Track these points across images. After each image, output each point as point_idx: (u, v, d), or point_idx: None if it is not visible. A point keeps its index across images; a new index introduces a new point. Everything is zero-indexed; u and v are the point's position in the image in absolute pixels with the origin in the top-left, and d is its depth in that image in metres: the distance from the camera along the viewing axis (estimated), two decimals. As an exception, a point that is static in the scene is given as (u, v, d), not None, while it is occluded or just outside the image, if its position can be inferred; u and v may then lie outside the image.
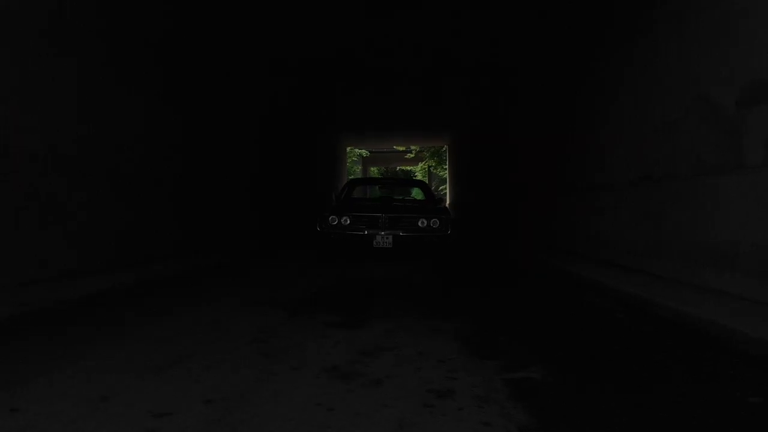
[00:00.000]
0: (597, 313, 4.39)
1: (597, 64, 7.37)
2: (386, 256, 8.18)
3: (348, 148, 33.34)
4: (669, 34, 5.50)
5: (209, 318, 3.99)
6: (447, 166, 31.87)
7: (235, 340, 3.33)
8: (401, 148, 35.55)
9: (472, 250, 10.16)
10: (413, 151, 36.11)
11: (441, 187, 37.49)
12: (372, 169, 44.66)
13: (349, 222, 7.74)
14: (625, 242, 6.29)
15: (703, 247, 4.82)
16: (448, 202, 26.40)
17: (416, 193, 11.99)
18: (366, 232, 7.58)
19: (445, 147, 31.91)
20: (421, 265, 7.67)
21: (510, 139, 12.48)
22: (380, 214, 7.65)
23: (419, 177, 37.26)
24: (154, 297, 4.99)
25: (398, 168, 45.66)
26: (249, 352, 3.06)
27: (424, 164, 36.87)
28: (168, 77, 7.68)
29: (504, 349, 3.24)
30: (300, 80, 14.13)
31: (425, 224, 7.70)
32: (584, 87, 7.80)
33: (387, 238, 7.51)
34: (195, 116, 8.48)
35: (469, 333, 3.62)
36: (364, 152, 37.03)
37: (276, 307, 4.46)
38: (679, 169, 5.28)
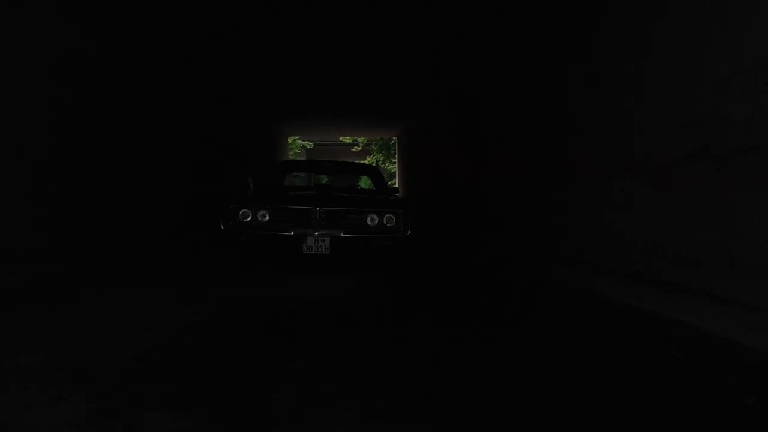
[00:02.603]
0: (695, 380, 2.34)
1: None
2: (320, 266, 6.00)
3: (291, 139, 30.83)
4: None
5: None
6: (396, 159, 29.92)
7: None
8: (348, 140, 33.43)
9: (437, 256, 7.93)
10: (360, 144, 34.06)
11: (390, 182, 35.50)
12: (317, 162, 42.18)
13: (268, 218, 5.47)
14: (670, 247, 4.31)
15: None
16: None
17: (365, 183, 9.74)
18: (292, 233, 5.32)
19: (394, 139, 29.97)
20: (371, 281, 5.47)
21: (481, 120, 10.44)
22: (313, 207, 5.41)
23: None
24: None
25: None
26: None
27: (372, 158, 34.83)
28: None
29: None
30: (229, 55, 11.63)
31: (376, 221, 5.52)
32: (593, 30, 5.81)
33: (323, 240, 5.29)
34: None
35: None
36: (308, 144, 34.58)
37: (76, 385, 2.17)
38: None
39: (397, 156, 29.35)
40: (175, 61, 9.36)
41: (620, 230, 5.11)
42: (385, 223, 5.52)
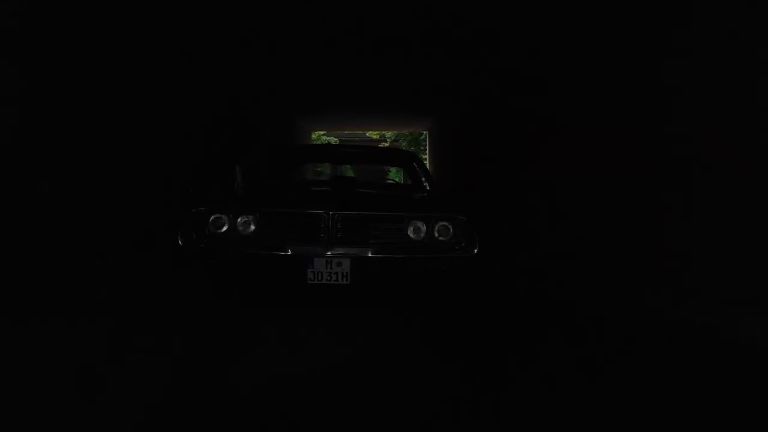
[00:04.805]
0: None
1: None
2: (335, 305, 3.99)
3: (315, 134, 29.09)
4: None
5: None
6: (426, 156, 27.89)
7: None
8: (375, 136, 31.51)
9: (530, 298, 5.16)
10: (388, 140, 32.20)
11: (419, 181, 33.55)
12: (342, 160, 40.43)
13: (254, 228, 3.49)
14: None
15: None
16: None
17: (397, 176, 7.65)
18: (290, 252, 3.34)
19: (425, 134, 27.93)
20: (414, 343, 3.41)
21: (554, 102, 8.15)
22: (323, 212, 3.40)
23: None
24: None
25: (371, 160, 41.60)
26: None
27: (400, 154, 32.92)
28: None
29: None
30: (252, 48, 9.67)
31: (423, 233, 3.48)
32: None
33: (338, 264, 3.29)
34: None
35: None
36: (333, 140, 32.80)
37: None
38: None
39: (428, 151, 27.28)
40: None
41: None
42: (437, 235, 3.48)
